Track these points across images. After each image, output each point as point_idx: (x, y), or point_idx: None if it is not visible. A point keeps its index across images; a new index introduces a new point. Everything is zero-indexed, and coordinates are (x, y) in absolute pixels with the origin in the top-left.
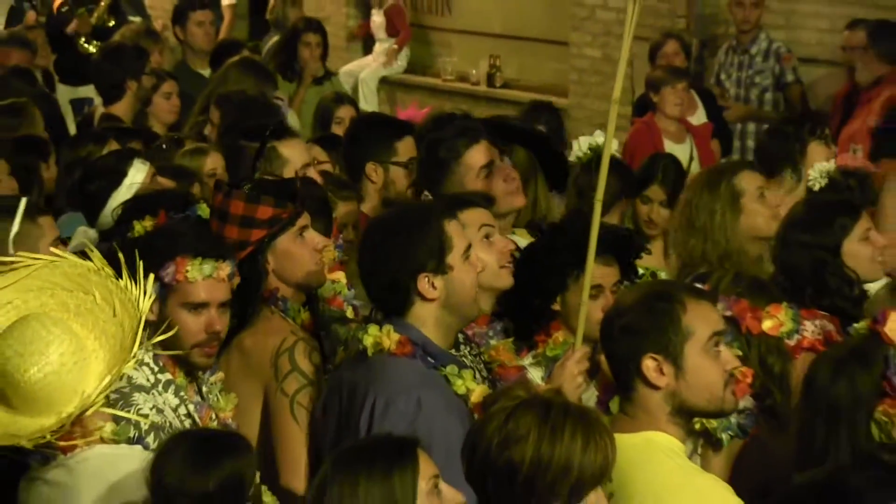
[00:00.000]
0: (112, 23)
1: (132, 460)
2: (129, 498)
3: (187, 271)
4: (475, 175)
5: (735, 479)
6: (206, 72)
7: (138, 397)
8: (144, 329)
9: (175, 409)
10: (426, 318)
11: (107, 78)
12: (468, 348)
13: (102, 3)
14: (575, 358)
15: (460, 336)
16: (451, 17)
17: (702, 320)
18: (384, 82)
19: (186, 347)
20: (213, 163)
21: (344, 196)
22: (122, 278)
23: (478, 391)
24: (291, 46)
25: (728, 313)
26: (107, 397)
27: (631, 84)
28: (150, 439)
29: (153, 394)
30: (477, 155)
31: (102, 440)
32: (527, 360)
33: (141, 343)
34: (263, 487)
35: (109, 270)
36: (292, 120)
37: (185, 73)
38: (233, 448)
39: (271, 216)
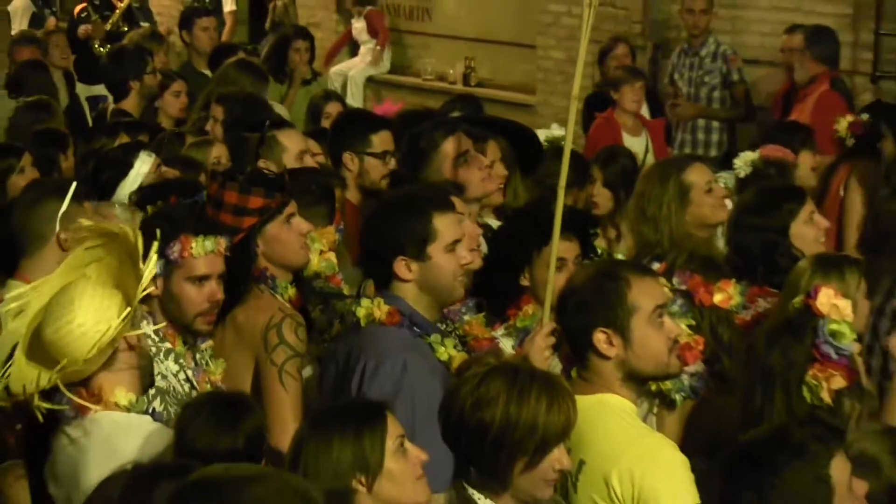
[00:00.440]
0: (125, 28)
1: (140, 429)
2: (130, 461)
3: (191, 248)
4: (452, 163)
5: (687, 437)
6: (209, 72)
7: None
8: (145, 302)
9: (175, 375)
10: (407, 292)
11: (112, 78)
12: (444, 325)
13: (117, 11)
14: (543, 333)
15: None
16: (431, 22)
17: (646, 295)
18: (370, 81)
19: (190, 317)
20: (218, 152)
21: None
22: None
23: (458, 358)
24: (282, 51)
25: (683, 287)
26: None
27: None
28: (156, 404)
29: (156, 361)
30: (453, 145)
31: (117, 406)
32: (499, 332)
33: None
34: None
35: (107, 229)
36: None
37: (190, 73)
38: (248, 407)
39: (261, 205)
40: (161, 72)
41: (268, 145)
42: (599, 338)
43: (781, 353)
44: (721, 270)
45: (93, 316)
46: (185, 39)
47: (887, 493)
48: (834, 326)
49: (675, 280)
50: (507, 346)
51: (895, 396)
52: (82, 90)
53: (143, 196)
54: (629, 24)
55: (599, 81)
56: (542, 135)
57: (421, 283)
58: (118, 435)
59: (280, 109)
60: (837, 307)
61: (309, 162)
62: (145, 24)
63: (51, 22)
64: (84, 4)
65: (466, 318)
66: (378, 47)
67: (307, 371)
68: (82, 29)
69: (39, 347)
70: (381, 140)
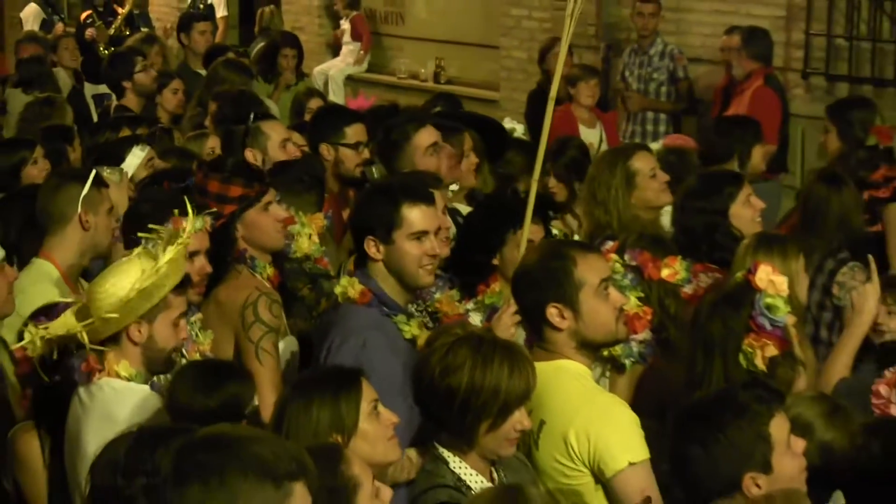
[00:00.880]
0: (127, 32)
1: (136, 396)
2: (125, 427)
3: (184, 227)
4: (422, 153)
5: (636, 399)
6: (204, 71)
7: None
8: None
9: None
10: (378, 273)
11: (110, 78)
12: (415, 306)
13: (119, 17)
14: (509, 312)
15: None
16: (404, 26)
17: (591, 271)
18: (349, 79)
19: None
20: (212, 144)
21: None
22: None
23: (423, 337)
24: (272, 56)
25: (633, 263)
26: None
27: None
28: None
29: None
30: (424, 136)
31: (118, 377)
32: (469, 306)
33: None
34: None
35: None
36: (273, 110)
37: (187, 73)
38: (233, 374)
39: (241, 194)
40: (159, 71)
41: (253, 135)
42: (552, 312)
43: (721, 322)
44: (668, 248)
45: (110, 286)
46: (182, 42)
47: (819, 454)
48: (769, 300)
49: (626, 256)
50: (475, 320)
51: (832, 362)
52: (89, 89)
53: (144, 182)
54: (584, 27)
55: (542, 79)
56: None
57: (388, 264)
58: (116, 401)
59: (270, 104)
60: (774, 283)
61: (292, 150)
62: (145, 29)
63: (59, 27)
64: (90, 11)
65: (437, 295)
66: (361, 52)
67: (283, 344)
68: (88, 32)
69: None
70: (354, 132)
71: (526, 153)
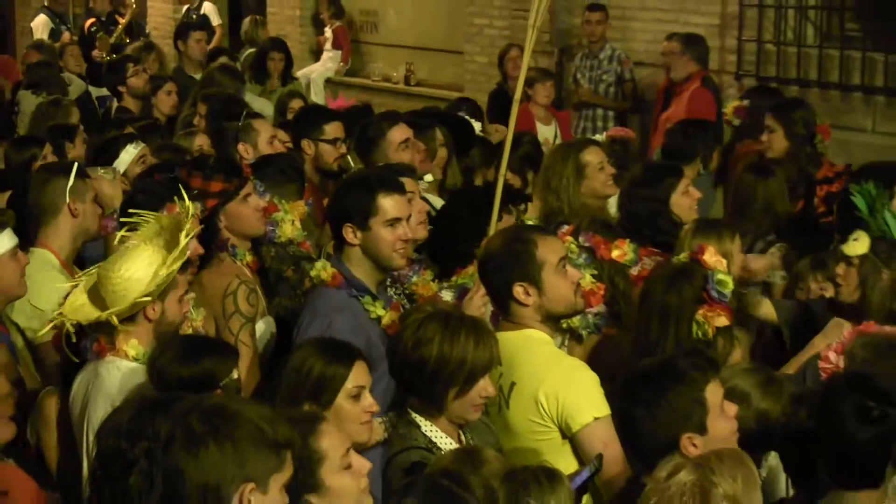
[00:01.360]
0: (127, 40)
1: (138, 379)
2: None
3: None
4: (395, 148)
5: (591, 366)
6: (198, 75)
7: None
8: None
9: None
10: (352, 257)
11: (108, 83)
12: (393, 289)
13: (120, 26)
14: (480, 293)
15: (387, 280)
16: (378, 34)
17: (550, 251)
18: (329, 82)
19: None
20: (200, 141)
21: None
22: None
23: (387, 316)
24: (262, 60)
25: (587, 244)
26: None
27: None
28: None
29: None
30: (396, 133)
31: (127, 356)
32: (443, 287)
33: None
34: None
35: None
36: (267, 109)
37: (181, 76)
38: (212, 350)
39: (221, 189)
40: (153, 76)
41: (245, 131)
42: (518, 291)
43: (677, 294)
44: (617, 232)
45: (129, 275)
46: (179, 48)
47: (756, 419)
48: (720, 277)
49: (580, 238)
50: (447, 297)
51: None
52: (93, 91)
53: (140, 174)
54: (539, 34)
55: (501, 80)
56: None
57: (364, 249)
58: (121, 378)
59: (263, 104)
60: (720, 262)
61: (278, 146)
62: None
63: (65, 36)
64: (93, 20)
65: (414, 279)
66: (342, 63)
67: (263, 325)
68: (95, 53)
69: (97, 290)
70: (332, 129)
71: (483, 148)
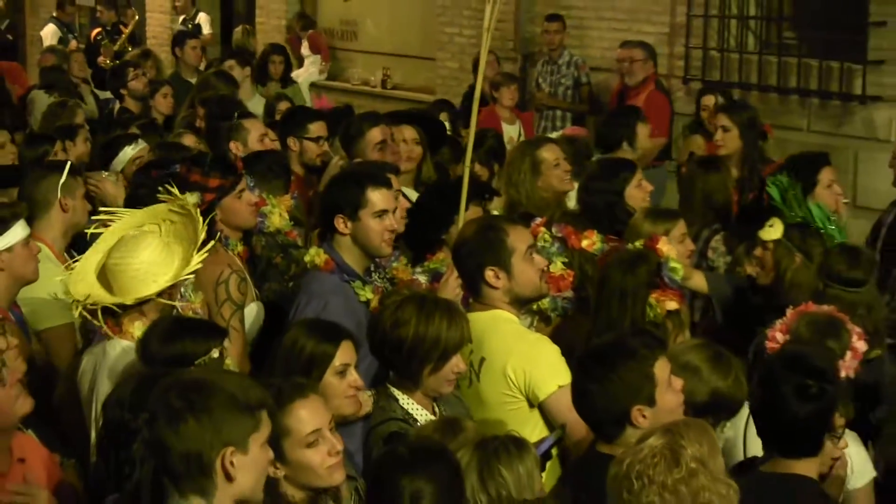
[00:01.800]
0: (129, 48)
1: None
2: None
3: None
4: (372, 147)
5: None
6: (193, 79)
7: None
8: None
9: None
10: (343, 245)
11: (111, 87)
12: (377, 273)
13: (123, 35)
14: (454, 276)
15: (371, 265)
16: (357, 41)
17: (519, 239)
18: (313, 86)
19: None
20: (188, 141)
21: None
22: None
23: (375, 300)
24: (264, 63)
25: (559, 235)
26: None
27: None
28: None
29: None
30: (374, 133)
31: (132, 337)
32: (417, 271)
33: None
34: (227, 361)
35: (189, 209)
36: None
37: (178, 81)
38: (193, 331)
39: (218, 184)
40: (151, 80)
41: (236, 130)
42: (489, 275)
43: (634, 277)
44: (585, 223)
45: (147, 267)
46: (176, 55)
47: (707, 394)
48: (673, 264)
49: (553, 229)
50: (422, 281)
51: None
52: (97, 94)
53: (138, 170)
54: (504, 41)
55: (473, 83)
56: None
57: (354, 238)
58: (125, 358)
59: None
60: (673, 252)
61: (268, 143)
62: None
63: (72, 44)
64: (99, 29)
65: (394, 264)
66: (323, 63)
67: (253, 308)
68: (100, 59)
69: (105, 276)
70: (316, 128)
71: (453, 146)
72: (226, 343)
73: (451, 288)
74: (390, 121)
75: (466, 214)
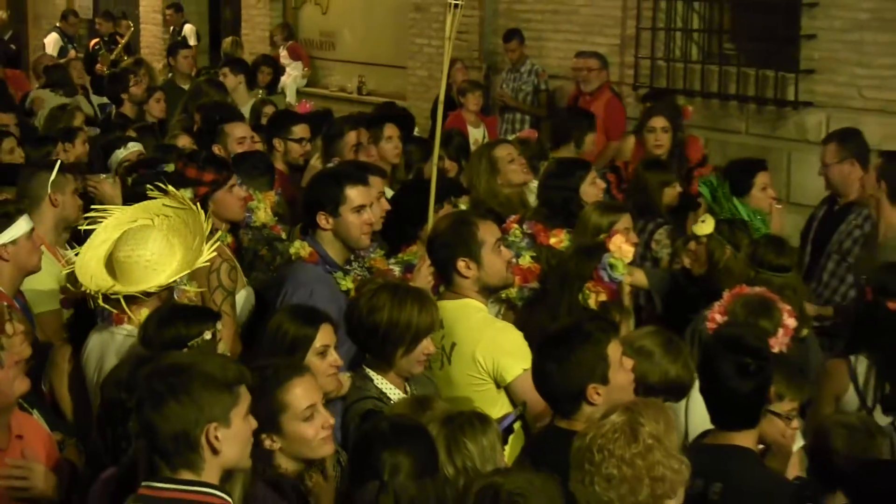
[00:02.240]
0: (125, 57)
1: None
2: None
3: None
4: (350, 148)
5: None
6: (186, 86)
7: None
8: None
9: None
10: (325, 239)
11: (111, 92)
12: (357, 263)
13: (119, 46)
14: (426, 265)
15: (351, 257)
16: (335, 51)
17: (489, 233)
18: (299, 92)
19: None
20: (182, 142)
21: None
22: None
23: (354, 289)
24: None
25: (529, 231)
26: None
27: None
28: None
29: None
30: (352, 136)
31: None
32: (392, 262)
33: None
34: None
35: (188, 203)
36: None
37: (172, 87)
38: (185, 317)
39: (212, 179)
40: (149, 87)
41: (218, 134)
42: (461, 265)
43: (575, 265)
44: (554, 222)
45: (157, 258)
46: (170, 63)
47: (659, 375)
48: (612, 260)
49: (524, 226)
50: (396, 271)
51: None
52: (95, 99)
53: (128, 167)
54: (470, 52)
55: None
56: None
57: (335, 232)
58: (131, 343)
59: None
60: (621, 249)
61: (249, 145)
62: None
63: (72, 53)
64: (97, 40)
65: (372, 255)
66: (306, 69)
67: (243, 293)
68: (98, 67)
69: (111, 261)
70: (299, 130)
71: (419, 145)
72: (218, 325)
73: (423, 277)
74: (372, 123)
75: (439, 211)
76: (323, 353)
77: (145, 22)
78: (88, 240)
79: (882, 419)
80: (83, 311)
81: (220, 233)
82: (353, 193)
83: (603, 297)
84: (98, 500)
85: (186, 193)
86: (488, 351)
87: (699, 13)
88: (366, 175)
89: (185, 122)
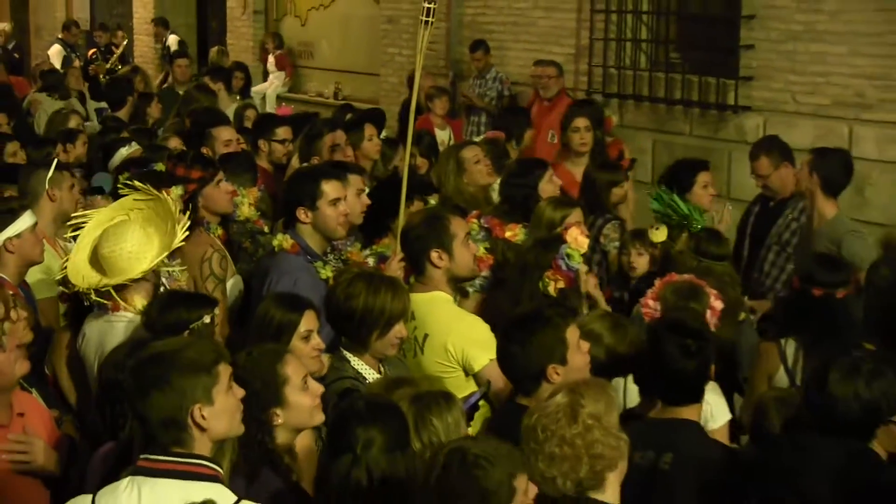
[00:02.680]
0: (119, 66)
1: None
2: None
3: (170, 194)
4: (328, 149)
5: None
6: (182, 91)
7: None
8: None
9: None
10: (304, 232)
11: (111, 96)
12: (333, 255)
13: (115, 55)
14: (397, 259)
15: (329, 248)
16: (313, 60)
17: (459, 227)
18: (278, 97)
19: None
20: (174, 143)
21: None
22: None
23: (332, 278)
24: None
25: (486, 225)
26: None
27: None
28: None
29: None
30: (331, 137)
31: (134, 309)
32: (366, 254)
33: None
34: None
35: (155, 193)
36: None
37: (171, 93)
38: (185, 302)
39: (200, 176)
40: (141, 92)
41: (206, 137)
42: (434, 256)
43: (535, 255)
44: (511, 217)
45: (138, 248)
46: (168, 72)
47: (605, 355)
48: (569, 251)
49: (481, 220)
50: (371, 262)
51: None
52: (92, 104)
53: (119, 166)
54: (437, 60)
55: (409, 95)
56: None
57: (314, 225)
58: (129, 329)
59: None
60: (577, 241)
61: (234, 147)
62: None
63: (76, 63)
64: (94, 50)
65: (349, 248)
66: (287, 78)
67: (232, 281)
68: (91, 68)
69: (97, 259)
70: (282, 132)
71: (390, 146)
72: (216, 310)
73: (394, 268)
74: (352, 126)
75: (411, 207)
76: (307, 337)
77: (138, 33)
78: (75, 245)
79: None
80: (79, 302)
81: (187, 215)
82: (329, 188)
83: (561, 285)
84: (97, 472)
85: (177, 191)
86: (458, 342)
87: (647, 25)
88: (339, 171)
89: (178, 125)
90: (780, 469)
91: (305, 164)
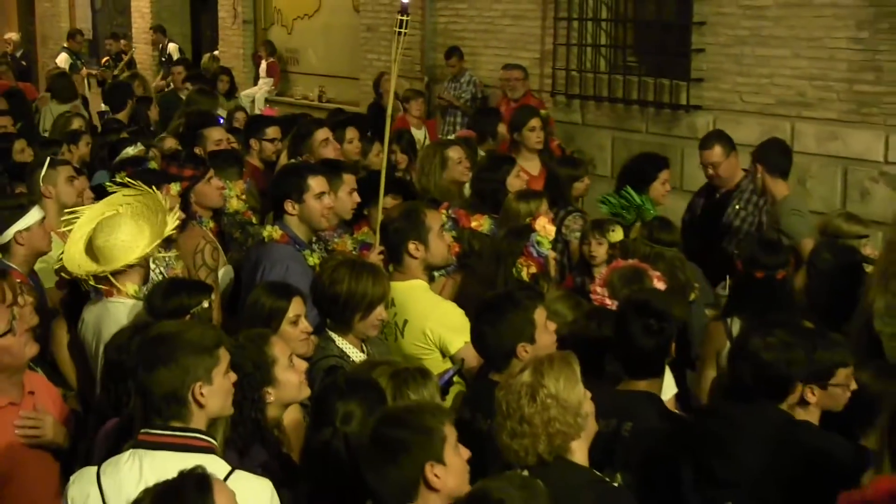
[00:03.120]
0: (126, 73)
1: (137, 309)
2: None
3: (169, 189)
4: (318, 144)
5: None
6: (183, 95)
7: None
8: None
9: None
10: (292, 223)
11: (114, 99)
12: (319, 245)
13: (122, 63)
14: (376, 251)
15: (314, 237)
16: (299, 65)
17: (435, 220)
18: (266, 100)
19: None
20: (169, 143)
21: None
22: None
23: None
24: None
25: (454, 216)
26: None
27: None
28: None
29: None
30: (320, 133)
31: (127, 295)
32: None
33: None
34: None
35: (144, 188)
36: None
37: (173, 97)
38: (185, 289)
39: (192, 174)
40: (140, 96)
41: (198, 137)
42: (411, 247)
43: (508, 244)
44: (478, 209)
45: (130, 237)
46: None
47: (570, 334)
48: (539, 238)
49: (449, 211)
50: (351, 248)
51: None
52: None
53: (116, 164)
54: (412, 65)
55: (375, 98)
56: None
57: (300, 217)
58: (124, 312)
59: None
60: (545, 228)
61: (224, 146)
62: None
63: (84, 71)
64: (107, 58)
65: (336, 239)
66: (273, 87)
67: (223, 271)
68: (98, 73)
69: (91, 249)
70: (272, 131)
71: (367, 142)
72: (213, 296)
73: (375, 260)
74: (336, 125)
75: (387, 203)
76: (295, 322)
77: (137, 41)
78: (69, 238)
79: None
80: (75, 290)
81: (177, 205)
82: (314, 183)
83: (533, 270)
84: (102, 446)
85: (177, 187)
86: (436, 327)
87: (606, 31)
88: (326, 168)
89: (179, 127)
90: (709, 436)
91: (293, 160)
